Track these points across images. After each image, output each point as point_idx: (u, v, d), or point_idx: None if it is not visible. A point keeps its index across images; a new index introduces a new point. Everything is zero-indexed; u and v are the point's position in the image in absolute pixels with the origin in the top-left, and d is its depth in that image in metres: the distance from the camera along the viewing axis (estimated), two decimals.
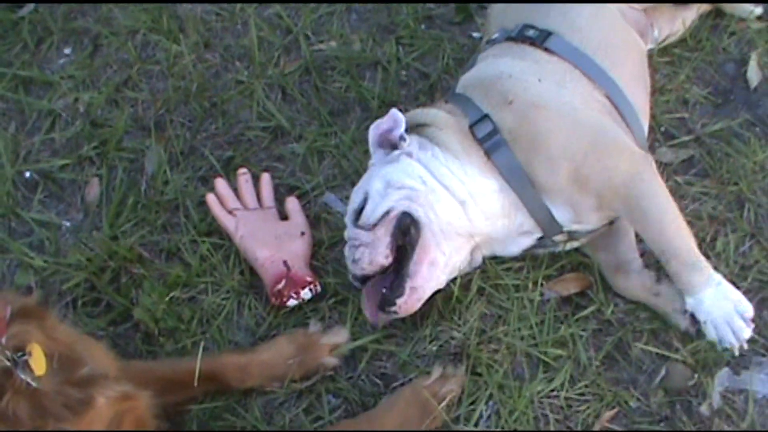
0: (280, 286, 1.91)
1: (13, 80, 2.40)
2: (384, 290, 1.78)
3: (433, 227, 1.76)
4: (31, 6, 2.55)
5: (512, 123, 1.77)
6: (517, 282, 1.93)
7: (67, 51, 2.47)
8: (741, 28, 2.34)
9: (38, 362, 1.38)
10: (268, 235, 1.98)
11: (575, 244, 1.92)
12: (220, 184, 2.07)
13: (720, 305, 1.75)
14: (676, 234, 1.75)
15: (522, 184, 1.77)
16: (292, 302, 1.91)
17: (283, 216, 2.05)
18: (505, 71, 1.86)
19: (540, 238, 1.87)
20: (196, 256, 2.04)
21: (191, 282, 2.01)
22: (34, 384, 1.36)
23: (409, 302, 1.78)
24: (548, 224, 1.82)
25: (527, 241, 1.88)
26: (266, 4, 2.47)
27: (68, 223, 2.17)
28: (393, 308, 1.78)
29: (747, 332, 1.75)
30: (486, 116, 1.79)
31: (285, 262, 1.93)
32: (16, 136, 2.30)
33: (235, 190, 2.07)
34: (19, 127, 2.32)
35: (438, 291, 1.84)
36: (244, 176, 2.08)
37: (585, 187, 1.76)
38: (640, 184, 1.75)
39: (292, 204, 2.05)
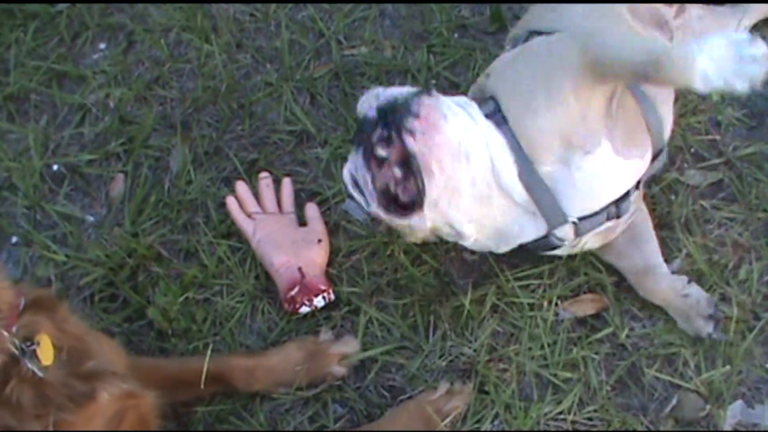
0: (293, 292, 1.91)
1: (47, 73, 2.42)
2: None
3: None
4: None
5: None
6: (533, 301, 1.91)
7: (102, 46, 2.48)
8: None
9: (46, 353, 1.41)
10: (285, 241, 1.98)
11: (586, 244, 1.84)
12: (241, 187, 2.08)
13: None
14: None
15: (522, 156, 1.67)
16: (304, 309, 1.91)
17: (302, 222, 2.05)
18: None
19: (544, 237, 1.77)
20: (213, 258, 2.04)
21: (207, 283, 2.02)
22: (40, 374, 1.38)
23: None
24: (549, 208, 1.71)
25: (530, 229, 1.75)
26: (300, 6, 2.46)
27: (92, 218, 2.19)
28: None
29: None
30: (491, 97, 1.73)
31: (300, 269, 1.93)
32: (47, 129, 2.33)
33: (257, 194, 2.08)
34: (50, 120, 2.35)
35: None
36: (265, 180, 2.08)
37: None
38: None
39: (312, 210, 2.04)
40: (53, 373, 1.41)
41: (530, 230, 1.74)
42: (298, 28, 2.40)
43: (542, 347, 1.85)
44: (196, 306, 1.99)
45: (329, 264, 2.01)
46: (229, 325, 1.96)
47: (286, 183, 2.08)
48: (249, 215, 2.03)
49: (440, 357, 1.87)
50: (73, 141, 2.31)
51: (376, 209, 1.68)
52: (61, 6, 2.56)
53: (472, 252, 1.98)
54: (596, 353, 1.85)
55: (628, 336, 1.86)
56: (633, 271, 1.88)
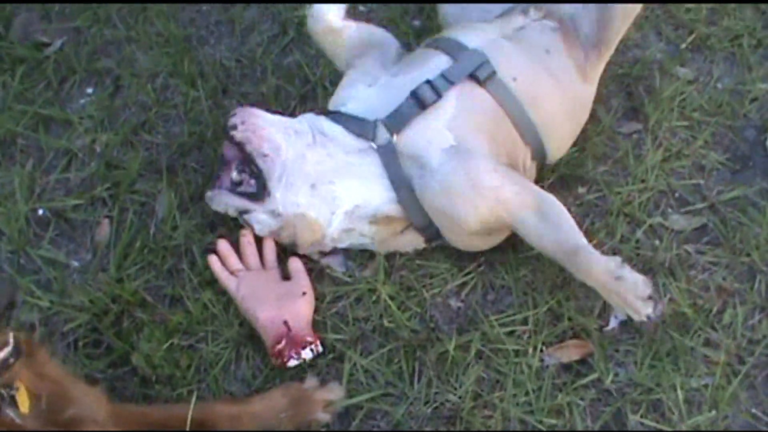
0: (280, 346, 1.89)
1: (34, 118, 2.43)
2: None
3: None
4: (57, 45, 2.59)
5: None
6: (517, 347, 1.91)
7: (89, 90, 2.49)
8: (763, 94, 2.31)
9: (23, 400, 1.41)
10: (270, 296, 1.98)
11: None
12: (223, 245, 2.07)
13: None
14: None
15: None
16: (293, 362, 1.90)
17: (286, 276, 2.04)
18: None
19: None
20: (198, 304, 2.03)
21: (192, 329, 2.01)
22: (18, 420, 1.38)
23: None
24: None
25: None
26: (287, 51, 2.48)
27: (76, 263, 2.18)
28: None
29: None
30: None
31: (285, 322, 1.92)
32: (33, 173, 2.32)
33: (238, 250, 2.08)
34: (36, 164, 2.35)
35: None
36: (246, 238, 2.07)
37: None
38: None
39: (295, 263, 2.04)
40: (32, 420, 1.41)
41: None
42: (284, 74, 2.42)
43: (527, 393, 1.85)
44: (181, 352, 1.98)
45: (315, 311, 2.00)
46: (213, 372, 1.95)
47: (268, 239, 2.07)
48: (232, 272, 2.03)
49: (425, 404, 1.86)
50: (59, 185, 2.31)
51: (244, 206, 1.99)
52: (49, 50, 2.58)
53: (458, 298, 1.99)
54: (581, 399, 1.84)
55: (613, 381, 1.85)
56: (562, 251, 1.88)
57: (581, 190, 2.15)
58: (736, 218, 2.09)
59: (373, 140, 1.96)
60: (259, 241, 2.07)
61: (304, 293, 1.98)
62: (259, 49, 2.51)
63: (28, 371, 1.45)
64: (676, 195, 2.14)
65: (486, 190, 1.88)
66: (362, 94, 2.06)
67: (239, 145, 1.95)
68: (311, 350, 1.91)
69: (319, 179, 1.95)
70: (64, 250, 2.21)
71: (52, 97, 2.48)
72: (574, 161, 2.19)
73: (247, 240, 2.07)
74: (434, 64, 2.02)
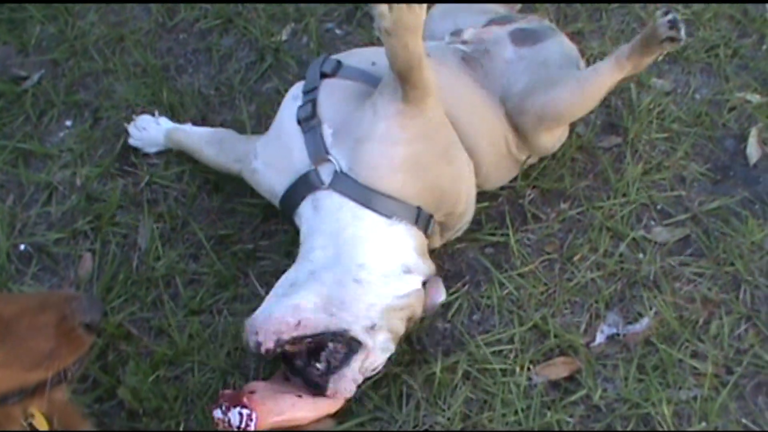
0: (226, 391, 1.77)
1: (13, 153, 2.42)
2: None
3: None
4: (35, 78, 2.58)
5: None
6: (505, 366, 1.90)
7: (68, 123, 2.48)
8: (741, 103, 2.32)
9: (40, 422, 1.49)
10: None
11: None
12: None
13: None
14: None
15: None
16: (218, 413, 1.73)
17: None
18: None
19: None
20: (183, 335, 2.02)
21: (178, 360, 2.00)
22: None
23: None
24: None
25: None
26: (265, 78, 2.48)
27: None
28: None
29: None
30: None
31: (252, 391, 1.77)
32: (13, 208, 2.31)
33: None
34: (17, 199, 2.33)
35: None
36: None
37: None
38: None
39: None
40: None
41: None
42: (262, 101, 2.42)
43: (516, 413, 1.84)
44: (167, 384, 1.96)
45: None
46: (201, 403, 1.93)
47: None
48: None
49: (414, 427, 1.85)
50: (40, 220, 2.29)
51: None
52: (27, 84, 2.57)
53: (445, 319, 1.99)
54: (571, 416, 1.84)
55: (601, 397, 1.85)
56: None
57: (563, 205, 2.15)
58: (719, 228, 2.09)
59: (323, 184, 1.87)
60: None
61: (299, 396, 1.81)
62: (237, 76, 2.51)
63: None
64: (658, 207, 2.14)
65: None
66: (274, 173, 2.00)
67: (292, 353, 1.78)
68: (239, 414, 1.72)
69: (354, 276, 1.80)
70: (47, 284, 2.19)
71: (31, 131, 2.47)
72: (555, 176, 2.19)
73: None
74: (293, 93, 2.02)
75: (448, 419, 1.84)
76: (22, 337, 1.34)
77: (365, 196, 1.82)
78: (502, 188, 2.18)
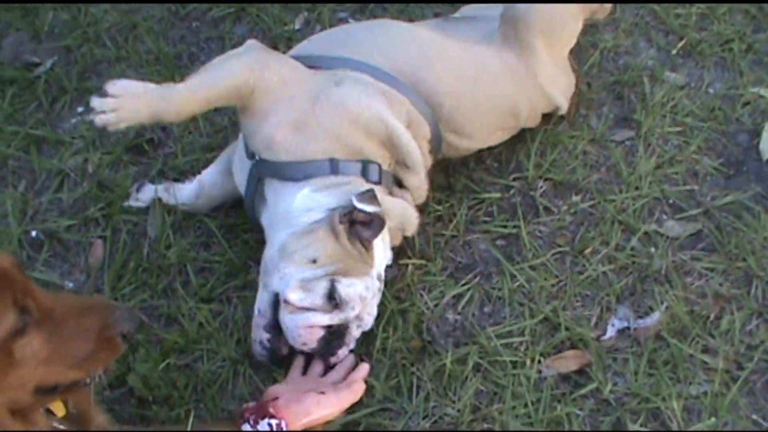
0: (249, 404, 1.79)
1: (25, 139, 2.42)
2: None
3: None
4: (47, 65, 2.58)
5: None
6: (515, 358, 1.90)
7: (80, 110, 2.48)
8: (755, 98, 2.32)
9: (57, 407, 1.53)
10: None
11: None
12: None
13: None
14: None
15: None
16: (247, 427, 1.73)
17: None
18: None
19: None
20: (194, 323, 2.02)
21: (188, 348, 2.00)
22: (61, 426, 1.50)
23: None
24: None
25: None
26: None
27: (71, 284, 2.17)
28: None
29: None
30: None
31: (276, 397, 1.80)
32: (25, 194, 2.31)
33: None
34: (29, 185, 2.34)
35: None
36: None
37: None
38: None
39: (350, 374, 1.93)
40: (70, 424, 1.53)
41: None
42: None
43: (526, 405, 1.84)
44: (177, 372, 1.96)
45: None
46: (211, 391, 1.93)
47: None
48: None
49: (423, 418, 1.85)
50: (52, 207, 2.29)
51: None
52: (39, 71, 2.57)
53: (455, 310, 1.98)
54: (580, 409, 1.83)
55: (611, 391, 1.85)
56: None
57: (575, 198, 2.15)
58: (731, 224, 2.09)
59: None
60: None
61: (322, 392, 1.83)
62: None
63: None
64: (670, 202, 2.14)
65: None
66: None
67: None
68: (269, 424, 1.72)
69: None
70: (58, 271, 2.19)
71: (43, 118, 2.47)
72: (567, 169, 2.18)
73: None
74: None
75: (458, 411, 1.84)
76: (68, 337, 1.41)
77: (279, 170, 1.91)
78: (514, 179, 2.18)
